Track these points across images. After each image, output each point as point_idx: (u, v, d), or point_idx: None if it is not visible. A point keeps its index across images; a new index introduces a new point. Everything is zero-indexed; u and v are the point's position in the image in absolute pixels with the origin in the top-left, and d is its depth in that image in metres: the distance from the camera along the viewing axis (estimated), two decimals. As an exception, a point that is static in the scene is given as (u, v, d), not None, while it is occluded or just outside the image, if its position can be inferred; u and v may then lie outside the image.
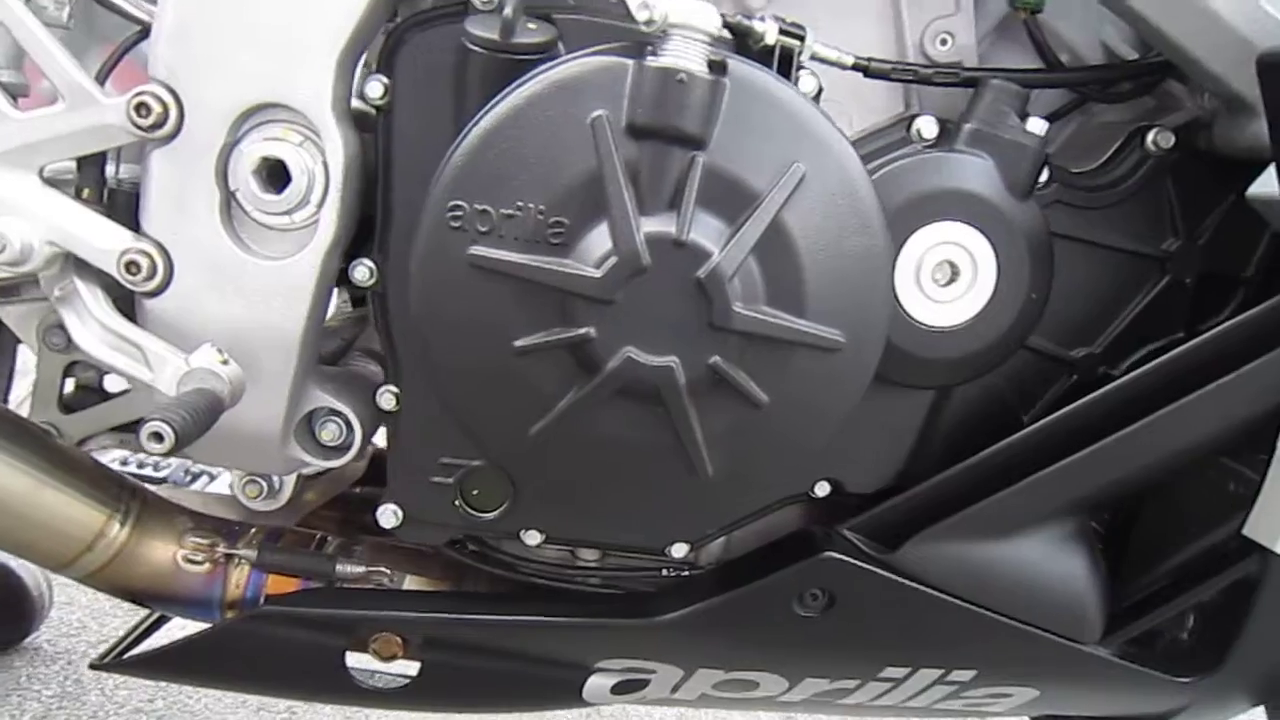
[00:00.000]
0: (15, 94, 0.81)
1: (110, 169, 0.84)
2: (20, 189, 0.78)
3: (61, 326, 0.97)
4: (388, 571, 0.98)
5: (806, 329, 0.70)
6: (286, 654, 0.93)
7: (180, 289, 0.80)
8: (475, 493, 0.87)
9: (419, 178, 0.79)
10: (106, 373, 1.04)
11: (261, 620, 0.92)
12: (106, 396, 1.07)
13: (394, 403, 0.85)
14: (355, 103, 0.82)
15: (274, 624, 0.92)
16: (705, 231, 0.68)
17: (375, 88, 0.79)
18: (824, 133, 0.70)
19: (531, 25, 0.76)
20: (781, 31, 0.77)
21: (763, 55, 0.78)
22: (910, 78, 0.83)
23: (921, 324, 0.81)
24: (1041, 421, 0.83)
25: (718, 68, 0.68)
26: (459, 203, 0.69)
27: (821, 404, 0.74)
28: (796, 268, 0.70)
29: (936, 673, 0.94)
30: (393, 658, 0.96)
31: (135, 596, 0.99)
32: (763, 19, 0.78)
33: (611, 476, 0.75)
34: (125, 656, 0.96)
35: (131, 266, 0.79)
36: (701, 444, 0.71)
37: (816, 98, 0.79)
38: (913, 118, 0.85)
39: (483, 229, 0.69)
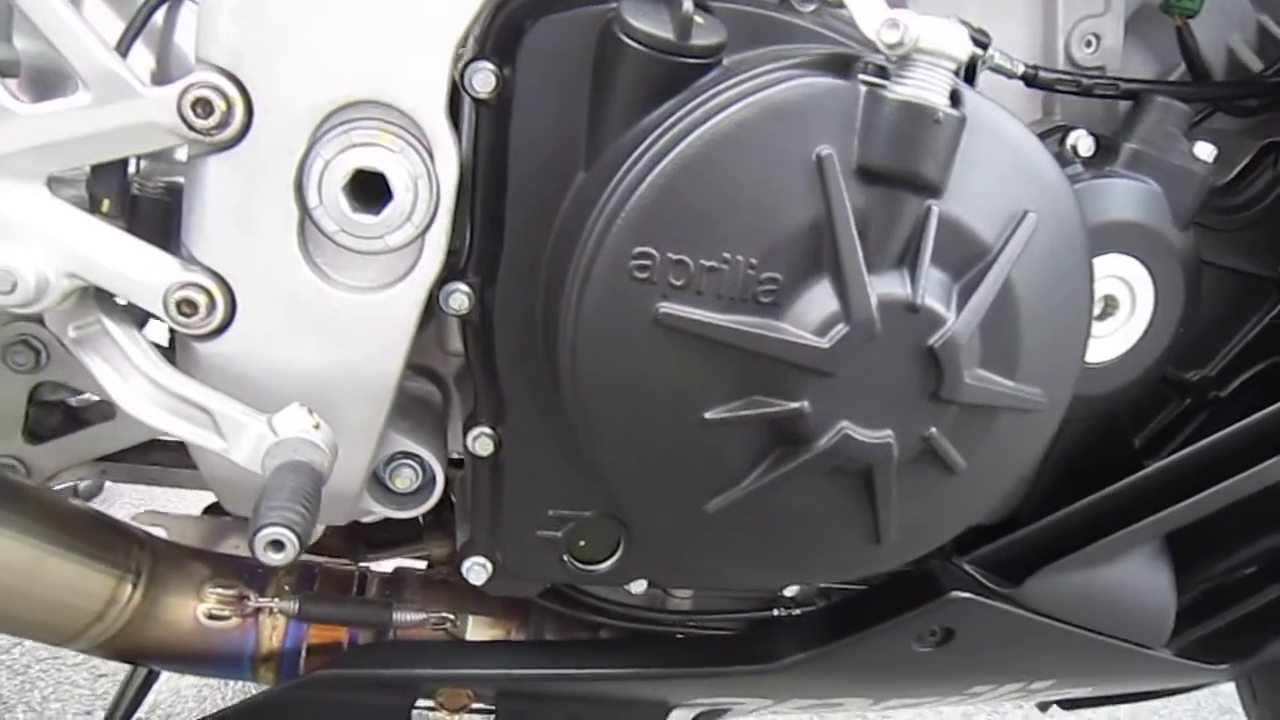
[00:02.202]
0: (3, 72, 0.60)
1: (130, 167, 0.65)
2: (28, 205, 0.59)
3: (27, 342, 0.79)
4: (450, 617, 0.87)
5: (1017, 392, 0.63)
6: (351, 715, 0.82)
7: (243, 330, 0.64)
8: (582, 543, 0.77)
9: (542, 191, 0.66)
10: (79, 392, 0.86)
11: (324, 685, 0.80)
12: (72, 416, 0.89)
13: (491, 447, 0.73)
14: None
15: (338, 687, 0.80)
16: (933, 290, 0.59)
17: (485, 79, 0.64)
18: (1051, 175, 0.62)
19: (699, 19, 0.63)
20: (970, 37, 0.68)
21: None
22: (1073, 89, 0.76)
23: (1074, 361, 0.77)
24: (1170, 459, 0.81)
25: (954, 98, 0.58)
26: (648, 250, 0.57)
27: (1009, 463, 0.68)
28: (1014, 326, 0.62)
29: (1019, 684, 0.94)
30: (462, 709, 0.87)
31: (152, 660, 0.85)
32: (949, 18, 0.68)
33: (775, 542, 0.68)
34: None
35: (185, 306, 0.62)
36: (894, 513, 0.65)
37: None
38: (1066, 130, 0.78)
39: (676, 282, 0.58)
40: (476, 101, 0.65)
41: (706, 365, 0.59)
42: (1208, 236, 0.83)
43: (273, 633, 0.85)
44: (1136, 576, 0.90)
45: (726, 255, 0.57)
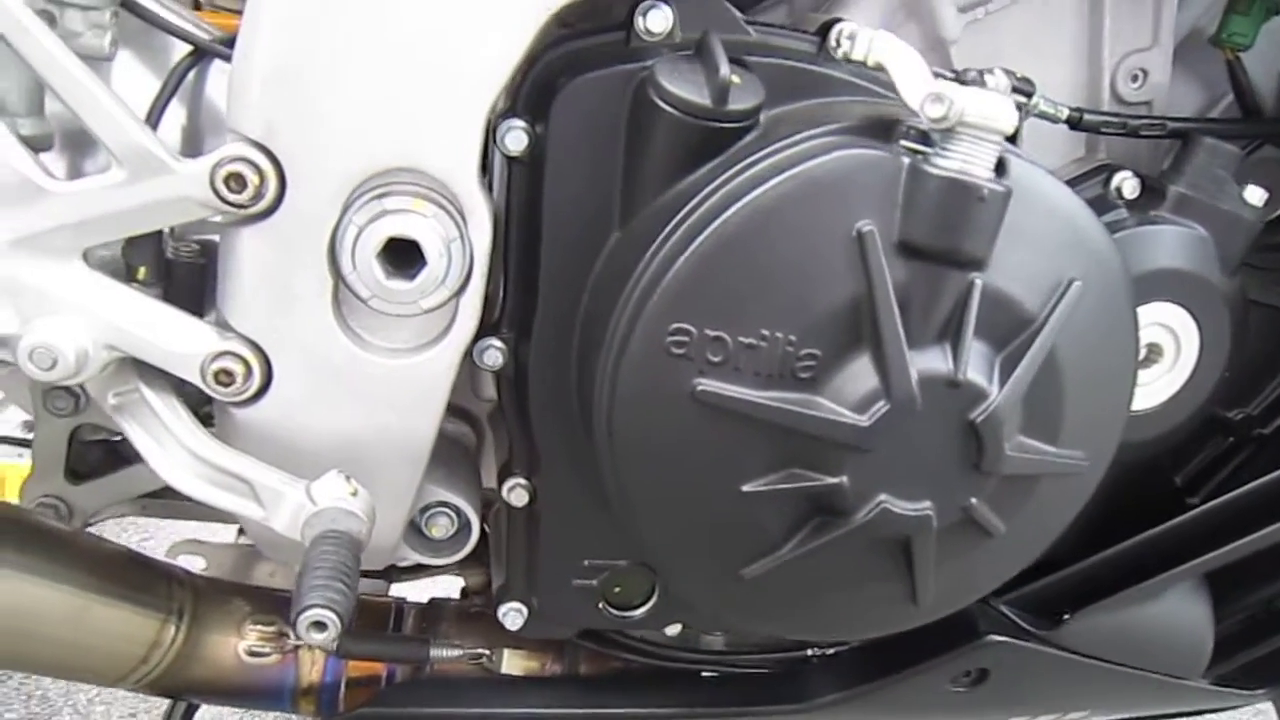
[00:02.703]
0: (38, 146, 0.60)
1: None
2: (65, 280, 0.59)
3: (67, 388, 0.80)
4: (486, 652, 0.88)
5: (1059, 458, 0.62)
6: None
7: (280, 396, 0.64)
8: (617, 590, 0.77)
9: (576, 248, 0.65)
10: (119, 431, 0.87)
11: (378, 713, 0.82)
12: (113, 454, 0.90)
13: (527, 498, 0.73)
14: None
15: (391, 714, 0.81)
16: (975, 363, 0.58)
17: (518, 138, 0.63)
18: (1097, 240, 0.60)
19: (735, 78, 0.62)
20: (1013, 90, 0.66)
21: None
22: (1118, 130, 0.73)
23: (1115, 408, 0.75)
24: (1214, 503, 0.80)
25: (1000, 167, 0.56)
26: (685, 327, 0.57)
27: (1049, 522, 0.67)
28: (1058, 393, 0.61)
29: (1053, 715, 0.94)
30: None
31: (195, 695, 0.86)
32: (992, 71, 0.67)
33: (811, 602, 0.67)
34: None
35: (222, 376, 0.62)
36: (931, 581, 0.64)
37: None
38: (1111, 171, 0.76)
39: (714, 359, 0.57)
40: (509, 159, 0.65)
41: (744, 439, 0.58)
42: (1254, 275, 0.81)
43: (312, 667, 0.87)
44: (1174, 611, 0.90)
45: (765, 332, 0.56)
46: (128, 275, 0.63)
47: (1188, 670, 0.93)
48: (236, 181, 0.58)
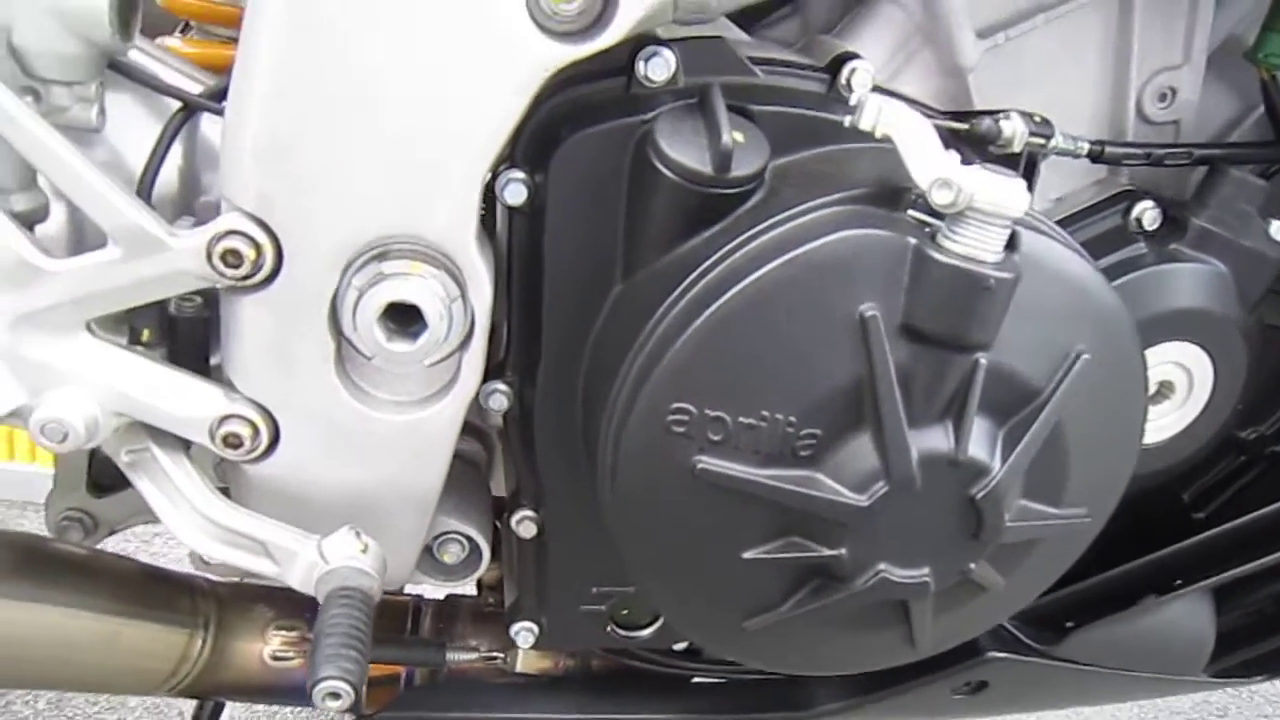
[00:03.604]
0: (33, 220, 0.60)
1: (165, 289, 0.65)
2: (70, 353, 0.60)
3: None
4: (501, 655, 0.91)
5: (1061, 518, 0.62)
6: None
7: (288, 454, 0.65)
8: (625, 612, 0.80)
9: (578, 299, 0.65)
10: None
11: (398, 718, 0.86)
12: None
13: (535, 530, 0.75)
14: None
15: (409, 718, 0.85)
16: (977, 439, 0.58)
17: (517, 191, 0.62)
18: (1108, 308, 0.59)
19: (736, 134, 0.60)
20: (1031, 134, 0.63)
21: (1004, 157, 0.65)
22: (1142, 161, 0.71)
23: (1124, 441, 0.75)
24: (1226, 526, 0.80)
25: (1011, 241, 0.55)
26: (685, 406, 0.57)
27: (1048, 572, 0.68)
28: (1062, 460, 0.61)
29: (1056, 710, 0.97)
30: (514, 736, 0.92)
31: (223, 696, 0.91)
32: (1008, 116, 0.64)
33: (811, 648, 0.69)
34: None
35: (232, 438, 0.63)
36: (929, 631, 0.65)
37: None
38: (1131, 201, 0.73)
39: (714, 438, 0.57)
40: (511, 208, 0.63)
41: (744, 511, 0.59)
42: (1272, 299, 0.79)
43: (334, 669, 0.90)
44: (1176, 614, 0.91)
45: (765, 413, 0.56)
46: (131, 337, 0.63)
47: (1187, 668, 0.95)
48: (233, 256, 0.58)
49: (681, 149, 0.58)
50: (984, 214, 0.52)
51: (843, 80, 0.65)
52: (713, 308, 0.55)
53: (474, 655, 0.90)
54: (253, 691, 0.90)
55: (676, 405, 0.57)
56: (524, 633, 0.81)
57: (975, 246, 0.53)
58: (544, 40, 0.56)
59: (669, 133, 0.59)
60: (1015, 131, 0.63)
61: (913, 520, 0.58)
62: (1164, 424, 0.75)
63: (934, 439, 0.57)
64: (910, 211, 0.56)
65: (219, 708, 0.95)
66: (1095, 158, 0.69)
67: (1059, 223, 0.75)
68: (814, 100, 0.64)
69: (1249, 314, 0.72)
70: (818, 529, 0.59)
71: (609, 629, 0.79)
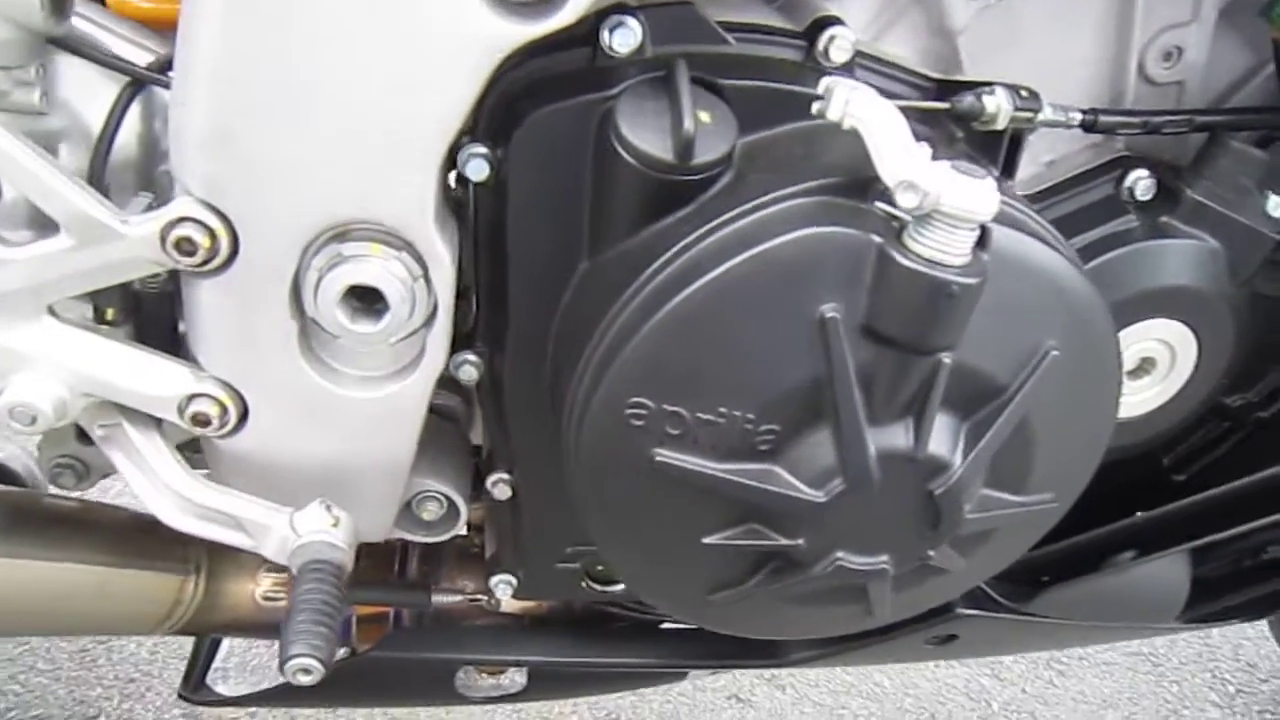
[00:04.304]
0: (-15, 202, 0.59)
1: (128, 265, 0.65)
2: (33, 337, 0.60)
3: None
4: (484, 599, 0.94)
5: (1025, 505, 0.62)
6: (406, 678, 0.92)
7: (257, 429, 0.66)
8: (600, 567, 0.81)
9: (545, 273, 0.64)
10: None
11: (369, 665, 0.89)
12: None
13: (510, 492, 0.76)
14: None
15: (392, 659, 0.89)
16: (938, 436, 0.57)
17: (479, 166, 0.60)
18: (1082, 301, 0.57)
19: (703, 114, 0.57)
20: (1016, 110, 0.60)
21: (986, 135, 0.62)
22: (1139, 130, 0.67)
23: (1101, 415, 0.74)
24: (1211, 492, 0.79)
25: (980, 241, 0.53)
26: (643, 401, 0.56)
27: (1012, 549, 0.68)
28: (1028, 450, 0.60)
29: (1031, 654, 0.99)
30: (501, 672, 0.96)
31: (219, 632, 0.94)
32: (991, 90, 0.61)
33: (777, 616, 0.70)
34: (263, 690, 0.92)
35: (199, 418, 0.63)
36: (888, 606, 0.66)
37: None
38: (1125, 169, 0.70)
39: (673, 432, 0.57)
40: (473, 183, 0.62)
41: (703, 500, 0.59)
42: (1264, 269, 0.76)
43: (325, 608, 0.94)
44: (1151, 571, 0.92)
45: (723, 410, 0.56)
46: (96, 316, 0.63)
47: (1160, 617, 0.96)
48: (187, 244, 0.57)
49: (643, 133, 0.56)
50: (951, 217, 0.50)
51: (819, 48, 0.61)
52: (671, 304, 0.54)
53: (459, 597, 0.93)
54: (246, 629, 0.93)
55: (634, 399, 0.56)
56: (502, 585, 0.83)
57: (941, 249, 0.51)
58: (496, 20, 0.53)
59: (631, 114, 0.57)
60: (999, 108, 0.60)
61: (871, 512, 0.59)
62: (1143, 399, 0.74)
63: (894, 436, 0.56)
64: (879, 203, 0.54)
65: (216, 641, 0.99)
66: (1088, 128, 0.66)
67: (1049, 190, 0.72)
68: (788, 71, 0.61)
69: (1239, 289, 0.70)
70: (776, 519, 0.59)
71: (584, 584, 0.81)
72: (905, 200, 0.49)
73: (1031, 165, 0.73)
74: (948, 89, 0.64)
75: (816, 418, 0.56)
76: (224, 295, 0.60)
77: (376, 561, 0.96)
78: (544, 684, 0.95)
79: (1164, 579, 0.92)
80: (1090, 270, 0.68)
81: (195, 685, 0.95)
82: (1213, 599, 0.98)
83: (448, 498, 0.79)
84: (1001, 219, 0.54)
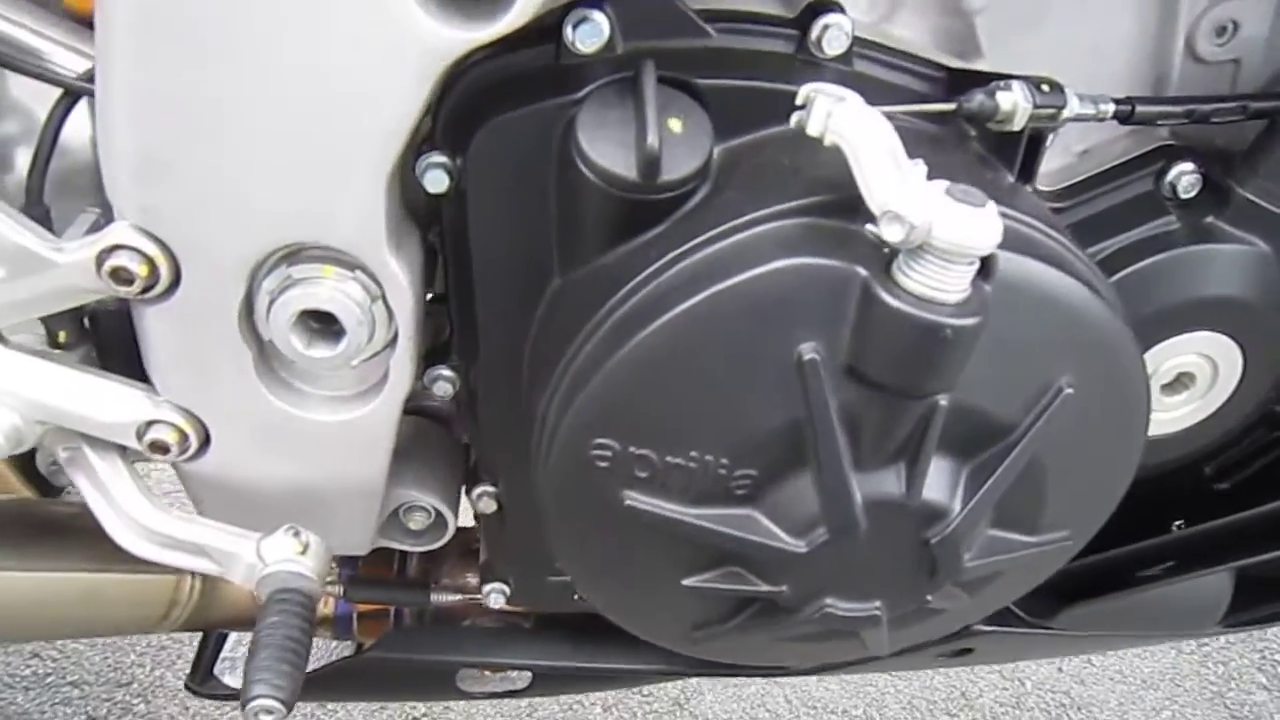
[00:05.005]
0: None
1: (80, 284, 0.61)
2: (-21, 367, 0.57)
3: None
4: (502, 586, 0.91)
5: (1037, 545, 0.57)
6: (408, 675, 0.90)
7: (222, 454, 0.63)
8: (593, 580, 0.78)
9: (515, 288, 0.59)
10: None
11: (366, 666, 0.88)
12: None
13: (495, 506, 0.73)
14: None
15: (394, 659, 0.88)
16: (934, 482, 0.52)
17: (437, 178, 0.55)
18: (1101, 332, 0.51)
19: (674, 123, 0.51)
20: (1036, 108, 0.53)
21: (1001, 137, 0.55)
22: (1182, 119, 0.59)
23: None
24: (1257, 511, 0.73)
25: (983, 270, 0.46)
26: (608, 443, 0.52)
27: (1025, 584, 0.63)
28: (1040, 491, 0.55)
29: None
30: (503, 672, 0.94)
31: (221, 628, 0.94)
32: (1007, 86, 0.53)
33: (768, 652, 0.67)
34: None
35: (157, 445, 0.61)
36: (885, 644, 0.62)
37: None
38: (1168, 161, 0.62)
39: (641, 475, 0.52)
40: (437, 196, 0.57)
41: (680, 544, 0.55)
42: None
43: (325, 603, 0.93)
44: (1188, 582, 0.86)
45: (694, 454, 0.51)
46: (49, 341, 0.60)
47: (1198, 627, 0.90)
48: (124, 272, 0.53)
49: (605, 147, 0.50)
50: (945, 252, 0.44)
51: (812, 38, 0.54)
52: (633, 340, 0.49)
53: (457, 597, 0.91)
54: (248, 624, 0.92)
55: (598, 441, 0.52)
56: (495, 594, 0.80)
57: (933, 285, 0.45)
58: (436, 26, 0.47)
59: (592, 124, 0.51)
60: (1015, 106, 0.53)
61: (861, 560, 0.54)
62: (1178, 416, 0.67)
63: (884, 483, 0.51)
64: (870, 226, 0.47)
65: (223, 633, 0.99)
66: (1124, 119, 0.58)
67: (1081, 184, 0.65)
68: (775, 66, 0.54)
69: (1292, 296, 0.62)
70: (757, 565, 0.55)
71: (576, 596, 0.78)
72: (890, 233, 0.43)
73: (1062, 155, 0.65)
74: (960, 80, 0.57)
75: (798, 461, 0.51)
76: (172, 322, 0.57)
77: (377, 558, 0.94)
78: (547, 681, 0.93)
79: (1202, 587, 0.86)
80: (1124, 277, 0.61)
81: (202, 677, 0.96)
82: (1261, 601, 0.91)
83: (434, 508, 0.77)
84: (1010, 242, 0.48)
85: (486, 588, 0.80)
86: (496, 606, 0.80)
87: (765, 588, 0.55)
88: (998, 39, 0.60)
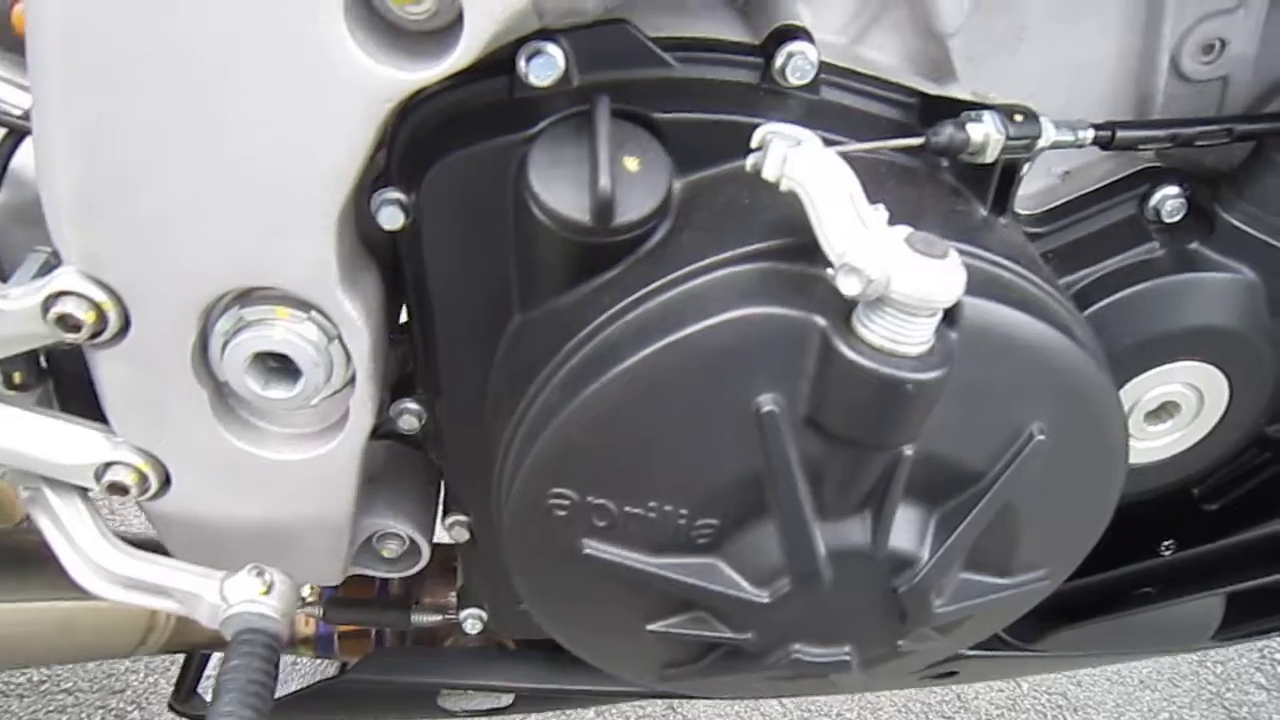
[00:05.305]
0: None
1: (34, 322, 0.60)
2: (-71, 412, 0.56)
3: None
4: (479, 612, 0.91)
5: (1011, 587, 0.56)
6: (389, 695, 0.90)
7: (183, 493, 0.62)
8: (570, 607, 0.77)
9: (475, 323, 0.58)
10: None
11: (345, 688, 0.87)
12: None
13: (467, 535, 0.72)
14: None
15: (374, 680, 0.87)
16: (901, 530, 0.50)
17: (392, 215, 0.54)
18: (1074, 375, 0.49)
19: (629, 162, 0.49)
20: (1009, 139, 0.51)
21: (974, 169, 0.53)
22: (1166, 143, 0.57)
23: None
24: (1246, 535, 0.71)
25: (948, 318, 0.44)
26: (565, 492, 0.50)
27: (1000, 620, 0.62)
28: (1014, 534, 0.53)
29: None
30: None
31: (201, 649, 0.93)
32: (978, 118, 0.51)
33: (742, 686, 0.65)
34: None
35: (115, 487, 0.60)
36: (859, 683, 0.61)
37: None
38: (1152, 184, 0.60)
39: (600, 523, 0.51)
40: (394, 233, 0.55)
41: (643, 592, 0.54)
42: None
43: (306, 624, 0.92)
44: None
45: (653, 504, 0.50)
46: (4, 381, 0.59)
47: (1190, 643, 0.89)
48: (71, 319, 0.52)
49: (557, 189, 0.48)
50: (904, 305, 0.42)
51: (776, 67, 0.52)
52: (587, 390, 0.48)
53: (438, 618, 0.90)
54: (226, 645, 0.92)
55: (555, 490, 0.50)
56: (471, 620, 0.80)
57: (893, 338, 0.43)
58: (379, 69, 0.46)
59: (545, 164, 0.49)
60: (987, 138, 0.51)
61: (828, 608, 0.52)
62: (1163, 444, 0.65)
63: (849, 533, 0.50)
64: (829, 270, 0.46)
65: (207, 655, 0.99)
66: (1104, 145, 0.56)
67: (1063, 207, 0.63)
68: (738, 97, 0.53)
69: (1277, 321, 0.60)
70: (722, 612, 0.53)
71: (552, 625, 0.77)
72: (847, 286, 0.41)
73: (1044, 177, 0.63)
74: (934, 107, 0.55)
75: (760, 511, 0.50)
76: (124, 366, 0.55)
77: (357, 578, 0.93)
78: (531, 699, 0.93)
79: (1193, 606, 0.84)
80: (1106, 307, 0.59)
81: (185, 696, 0.95)
82: (1254, 615, 0.90)
83: (408, 536, 0.76)
84: (978, 286, 0.46)
85: (463, 613, 0.80)
86: (473, 632, 0.80)
87: (730, 634, 0.54)
88: (975, 61, 0.58)
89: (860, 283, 0.41)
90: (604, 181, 0.46)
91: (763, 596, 0.51)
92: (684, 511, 0.49)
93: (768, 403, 0.46)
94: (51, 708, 1.32)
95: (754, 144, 0.46)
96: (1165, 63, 0.59)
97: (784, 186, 0.44)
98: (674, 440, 0.48)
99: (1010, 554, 0.54)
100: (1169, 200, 0.59)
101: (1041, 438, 0.48)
